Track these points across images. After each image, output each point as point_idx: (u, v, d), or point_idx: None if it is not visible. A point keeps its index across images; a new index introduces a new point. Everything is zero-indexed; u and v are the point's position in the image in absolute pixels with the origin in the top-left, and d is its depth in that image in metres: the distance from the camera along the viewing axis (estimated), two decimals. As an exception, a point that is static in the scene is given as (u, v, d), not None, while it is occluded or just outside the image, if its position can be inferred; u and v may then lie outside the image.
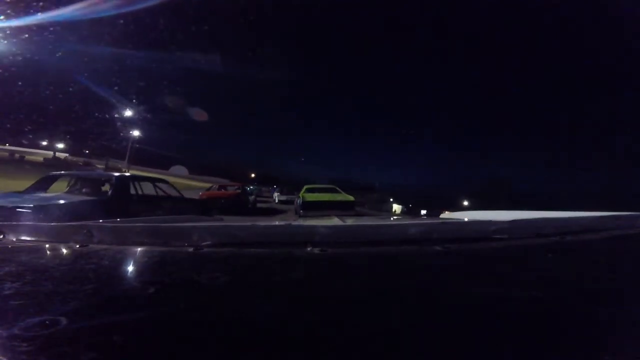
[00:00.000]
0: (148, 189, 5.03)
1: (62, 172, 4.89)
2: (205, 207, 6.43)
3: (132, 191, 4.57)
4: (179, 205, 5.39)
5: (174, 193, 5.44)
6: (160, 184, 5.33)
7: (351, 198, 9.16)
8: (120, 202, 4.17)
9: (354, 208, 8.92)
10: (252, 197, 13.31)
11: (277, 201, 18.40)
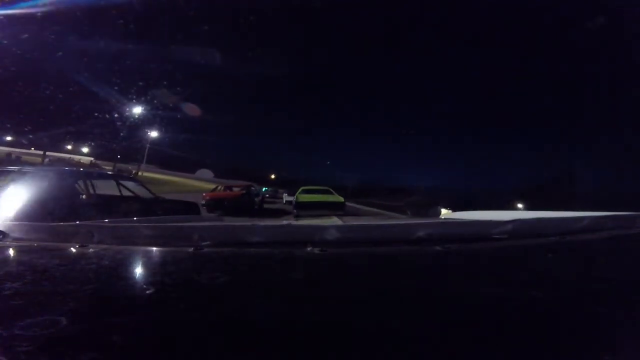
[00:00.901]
0: (107, 188, 4.42)
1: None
2: (191, 209, 5.28)
3: (77, 190, 3.90)
4: (151, 207, 4.60)
5: (144, 194, 4.74)
6: (127, 183, 4.64)
7: (341, 199, 9.97)
8: (50, 201, 3.53)
9: (344, 208, 9.56)
10: (258, 199, 13.12)
11: (284, 202, 18.70)
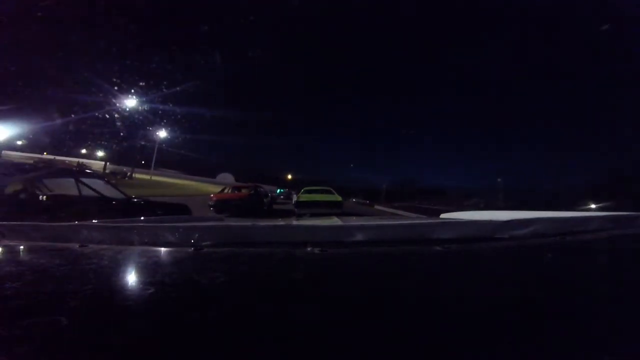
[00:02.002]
0: (65, 187, 3.85)
1: None
2: (179, 212, 4.50)
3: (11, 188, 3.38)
4: (119, 208, 3.99)
5: (113, 194, 4.15)
6: (93, 182, 4.01)
7: (339, 198, 10.60)
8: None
9: (341, 207, 10.03)
10: (267, 199, 12.85)
11: (293, 202, 18.93)
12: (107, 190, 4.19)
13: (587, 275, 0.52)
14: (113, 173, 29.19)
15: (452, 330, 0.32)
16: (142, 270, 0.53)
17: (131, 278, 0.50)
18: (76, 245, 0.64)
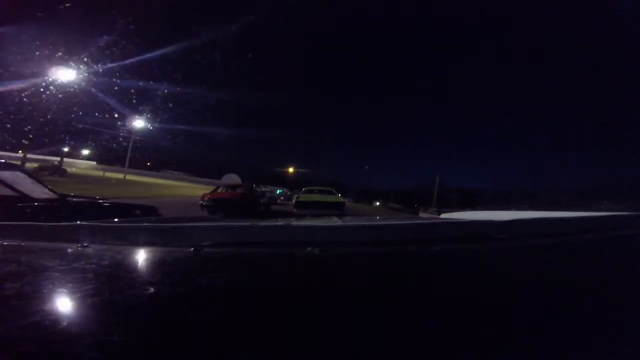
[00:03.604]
0: None
1: None
2: (105, 210, 3.34)
3: None
4: (46, 209, 2.92)
5: (34, 191, 3.03)
6: (6, 173, 2.89)
7: (341, 199, 10.43)
8: None
9: (343, 208, 9.80)
10: (263, 200, 12.46)
11: (294, 202, 18.67)
12: (31, 187, 3.09)
13: (588, 276, 0.52)
14: (41, 168, 24.22)
15: (452, 331, 0.32)
16: (142, 270, 0.53)
17: (131, 278, 0.50)
18: (76, 245, 0.64)
